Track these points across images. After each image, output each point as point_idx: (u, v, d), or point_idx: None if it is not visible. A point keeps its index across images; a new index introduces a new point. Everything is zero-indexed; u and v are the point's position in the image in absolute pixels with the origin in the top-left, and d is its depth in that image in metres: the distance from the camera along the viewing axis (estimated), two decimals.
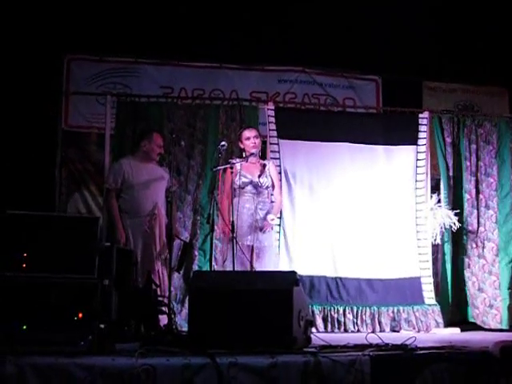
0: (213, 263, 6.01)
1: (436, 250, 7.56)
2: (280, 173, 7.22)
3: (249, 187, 6.58)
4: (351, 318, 7.07)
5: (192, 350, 4.12)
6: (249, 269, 6.26)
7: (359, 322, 7.06)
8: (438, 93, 9.33)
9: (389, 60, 8.67)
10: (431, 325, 7.15)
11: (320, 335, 5.03)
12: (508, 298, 7.31)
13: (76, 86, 8.39)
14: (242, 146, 6.73)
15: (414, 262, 7.37)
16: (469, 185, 7.54)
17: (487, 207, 7.53)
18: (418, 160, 7.54)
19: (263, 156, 7.11)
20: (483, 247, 7.43)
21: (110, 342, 4.35)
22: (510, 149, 7.65)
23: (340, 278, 7.20)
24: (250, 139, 6.65)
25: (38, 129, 7.92)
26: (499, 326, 7.21)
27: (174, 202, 6.19)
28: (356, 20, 8.55)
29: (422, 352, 4.28)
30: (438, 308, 7.25)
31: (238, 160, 6.44)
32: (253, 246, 6.49)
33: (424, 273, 7.35)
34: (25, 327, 4.34)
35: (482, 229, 7.47)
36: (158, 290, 5.97)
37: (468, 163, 7.55)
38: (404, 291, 7.29)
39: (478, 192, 7.54)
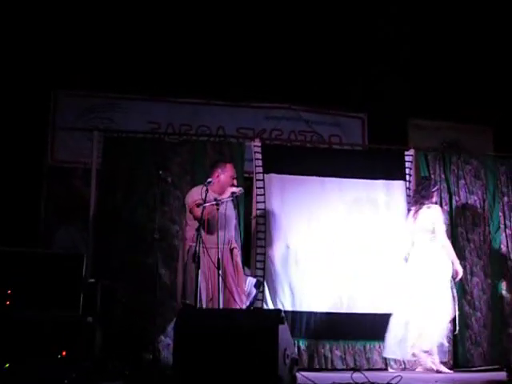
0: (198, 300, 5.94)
1: None
2: (264, 208, 7.23)
3: None
4: (339, 353, 7.04)
5: None
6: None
7: (348, 359, 7.03)
8: (424, 130, 9.40)
9: (374, 98, 8.75)
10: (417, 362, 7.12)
11: (306, 374, 5.00)
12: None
13: (63, 121, 8.40)
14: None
15: None
16: (459, 219, 7.53)
17: (484, 240, 7.53)
18: (408, 196, 7.56)
19: (250, 193, 7.15)
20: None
21: (94, 380, 4.31)
22: (497, 185, 7.69)
23: (328, 313, 7.14)
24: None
25: (24, 163, 7.92)
26: None
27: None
28: (342, 58, 8.64)
29: None
30: None
31: (225, 198, 6.31)
32: None
33: None
34: (7, 365, 4.29)
35: (482, 262, 7.44)
36: None
37: (457, 198, 7.56)
38: None
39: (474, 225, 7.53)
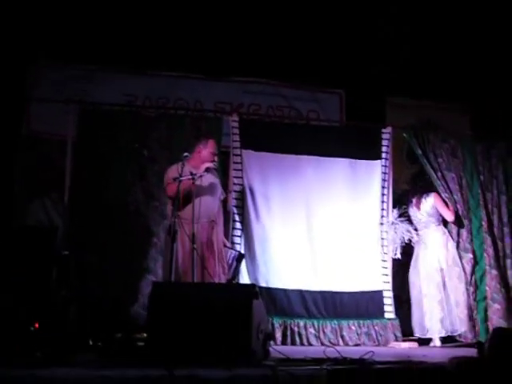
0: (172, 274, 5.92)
1: (396, 264, 7.56)
2: (242, 184, 7.22)
3: None
4: (313, 331, 7.08)
5: (150, 362, 4.10)
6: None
7: (322, 336, 7.07)
8: (401, 108, 9.38)
9: (352, 74, 8.73)
10: (390, 339, 7.20)
11: (279, 348, 5.03)
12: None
13: (39, 92, 8.27)
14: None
15: (377, 275, 7.43)
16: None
17: (463, 217, 7.55)
18: (384, 173, 7.61)
19: (226, 168, 7.12)
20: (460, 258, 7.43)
21: (67, 352, 4.30)
22: (474, 164, 7.74)
23: (301, 291, 7.20)
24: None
25: None
26: None
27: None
28: (321, 34, 8.59)
29: (379, 366, 4.30)
30: (397, 322, 7.31)
31: (200, 173, 6.25)
32: None
33: (385, 286, 7.41)
34: None
35: (460, 240, 7.52)
36: None
37: (439, 174, 7.59)
38: (365, 305, 7.34)
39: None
